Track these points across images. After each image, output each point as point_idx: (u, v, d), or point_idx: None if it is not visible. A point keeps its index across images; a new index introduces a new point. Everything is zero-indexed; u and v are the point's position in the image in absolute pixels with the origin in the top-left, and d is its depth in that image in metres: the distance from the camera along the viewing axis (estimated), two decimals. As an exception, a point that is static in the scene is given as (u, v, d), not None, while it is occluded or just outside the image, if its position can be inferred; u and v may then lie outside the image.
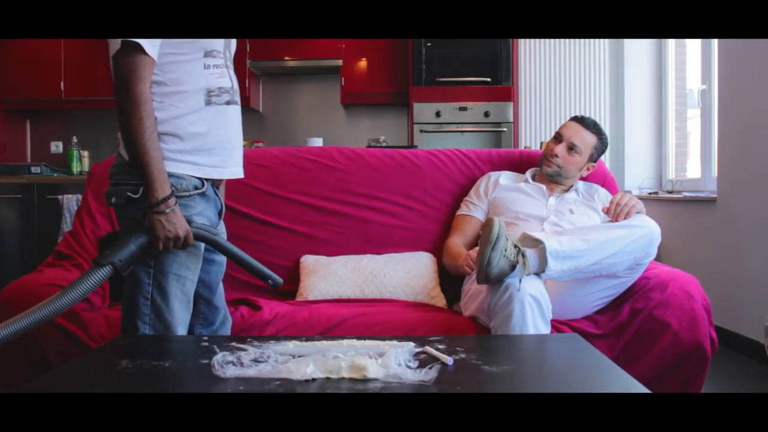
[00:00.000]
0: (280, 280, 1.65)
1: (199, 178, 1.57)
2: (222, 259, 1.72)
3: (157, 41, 1.48)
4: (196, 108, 1.56)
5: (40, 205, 4.31)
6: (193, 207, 1.56)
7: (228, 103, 1.61)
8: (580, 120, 2.26)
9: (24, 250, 4.33)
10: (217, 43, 1.59)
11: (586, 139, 2.22)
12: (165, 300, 1.55)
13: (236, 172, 1.67)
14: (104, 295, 2.06)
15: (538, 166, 2.34)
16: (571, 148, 2.22)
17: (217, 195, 1.66)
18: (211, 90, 1.57)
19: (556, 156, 2.22)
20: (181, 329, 1.57)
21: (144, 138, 1.45)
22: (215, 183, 1.65)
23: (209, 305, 1.73)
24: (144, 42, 1.45)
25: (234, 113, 1.63)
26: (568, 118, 2.34)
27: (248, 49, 4.77)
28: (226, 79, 1.61)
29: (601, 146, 2.26)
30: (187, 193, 1.55)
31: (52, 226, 4.11)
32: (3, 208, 4.35)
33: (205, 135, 1.57)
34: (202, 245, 1.60)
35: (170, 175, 1.52)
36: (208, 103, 1.57)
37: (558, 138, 2.25)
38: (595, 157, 2.27)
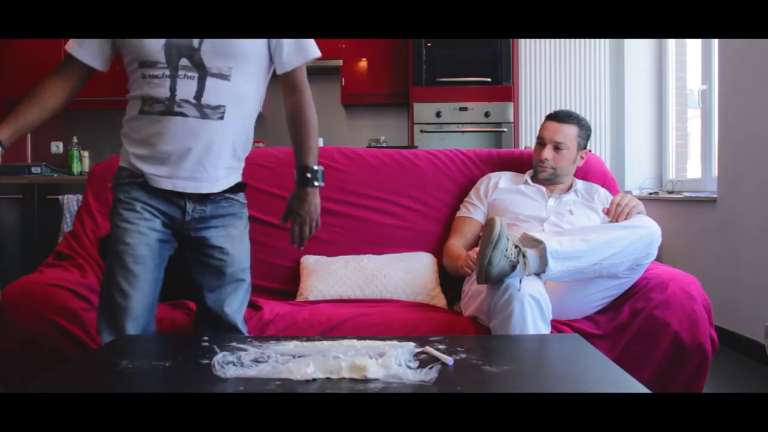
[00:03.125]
0: None
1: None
2: (231, 271, 1.69)
3: (86, 44, 1.61)
4: (133, 116, 1.61)
5: (40, 206, 4.31)
6: (128, 192, 1.62)
7: (163, 113, 1.56)
8: (555, 117, 2.26)
9: (24, 250, 4.33)
10: (158, 54, 1.55)
11: (567, 133, 2.22)
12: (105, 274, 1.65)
13: (188, 186, 1.61)
14: (104, 295, 2.06)
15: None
16: (557, 147, 2.22)
17: (186, 202, 1.63)
18: (146, 99, 1.58)
19: (546, 159, 2.23)
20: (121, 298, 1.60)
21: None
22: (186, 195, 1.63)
23: (219, 321, 1.69)
24: (72, 49, 1.62)
25: (176, 123, 1.56)
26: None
27: (248, 50, 4.76)
28: (164, 89, 1.55)
29: (584, 132, 2.26)
30: (121, 180, 1.64)
31: (53, 227, 4.11)
32: (3, 208, 4.34)
33: (142, 143, 1.60)
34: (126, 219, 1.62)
35: (119, 168, 1.66)
36: (141, 111, 1.59)
37: (541, 142, 2.26)
38: (583, 145, 2.27)
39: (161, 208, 1.63)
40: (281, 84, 1.71)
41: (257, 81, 1.67)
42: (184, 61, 1.56)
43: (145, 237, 1.61)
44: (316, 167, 1.71)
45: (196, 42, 1.56)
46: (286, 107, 1.72)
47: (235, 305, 1.71)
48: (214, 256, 1.68)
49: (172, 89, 1.56)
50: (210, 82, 1.57)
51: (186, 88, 1.56)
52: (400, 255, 2.33)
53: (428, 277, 2.26)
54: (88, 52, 1.62)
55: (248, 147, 1.74)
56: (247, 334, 1.75)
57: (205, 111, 1.57)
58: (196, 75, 1.56)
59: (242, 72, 1.61)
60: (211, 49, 1.56)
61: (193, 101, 1.57)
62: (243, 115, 1.65)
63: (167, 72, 1.56)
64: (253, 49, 1.62)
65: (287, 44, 1.65)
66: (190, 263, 1.70)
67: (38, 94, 1.62)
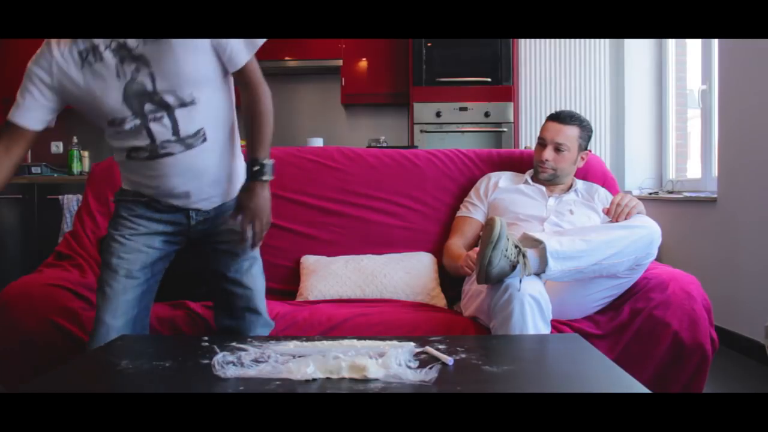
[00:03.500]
0: None
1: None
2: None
3: (25, 107, 1.55)
4: (122, 160, 1.65)
5: (40, 205, 4.31)
6: (132, 210, 1.66)
7: (150, 158, 1.58)
8: (556, 117, 2.25)
9: (24, 250, 4.33)
10: (122, 111, 1.55)
11: (569, 134, 2.21)
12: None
13: (203, 204, 1.68)
14: (104, 295, 2.06)
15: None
16: (558, 148, 2.22)
17: (189, 218, 1.67)
18: (129, 149, 1.60)
19: (547, 160, 2.22)
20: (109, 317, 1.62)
21: None
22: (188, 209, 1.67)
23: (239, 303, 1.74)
24: (13, 116, 1.55)
25: (167, 164, 1.59)
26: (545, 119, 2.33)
27: (248, 49, 4.77)
28: (142, 137, 1.57)
29: (585, 133, 2.25)
30: (125, 197, 1.69)
31: (53, 226, 4.11)
32: (3, 208, 4.34)
33: (142, 182, 1.64)
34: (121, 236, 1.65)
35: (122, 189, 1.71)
36: (129, 158, 1.61)
37: (542, 142, 2.25)
38: (584, 146, 2.27)
39: (166, 218, 1.66)
40: (237, 82, 1.69)
41: (222, 89, 1.65)
42: (148, 106, 1.56)
43: (142, 255, 1.65)
44: (266, 161, 1.64)
45: (149, 85, 1.55)
46: (242, 103, 1.67)
47: (258, 284, 1.75)
48: (223, 239, 1.71)
49: (150, 135, 1.57)
50: (179, 113, 1.57)
51: (162, 129, 1.57)
52: (400, 255, 2.33)
53: (428, 277, 2.26)
54: (29, 115, 1.56)
55: (237, 132, 1.74)
56: (270, 320, 1.78)
57: (188, 142, 1.59)
58: (164, 113, 1.56)
59: (205, 91, 1.60)
60: (167, 86, 1.55)
61: (173, 138, 1.57)
62: (223, 123, 1.65)
63: (137, 122, 1.56)
64: (204, 66, 1.59)
65: (231, 43, 1.58)
66: (205, 254, 1.75)
67: None
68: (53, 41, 1.55)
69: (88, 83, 1.54)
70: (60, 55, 1.54)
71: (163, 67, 1.54)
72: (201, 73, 1.59)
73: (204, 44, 1.56)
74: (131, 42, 1.52)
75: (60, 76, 1.54)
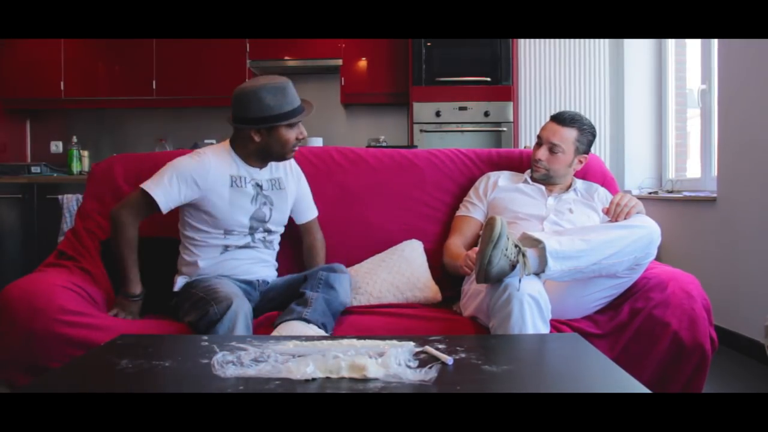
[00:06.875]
0: None
1: None
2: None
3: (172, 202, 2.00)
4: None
5: (40, 205, 4.31)
6: None
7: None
8: (557, 118, 2.24)
9: (24, 250, 4.33)
10: (244, 226, 2.06)
11: (565, 136, 2.21)
12: None
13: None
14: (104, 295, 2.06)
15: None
16: (552, 149, 2.21)
17: None
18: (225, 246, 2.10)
19: (540, 160, 2.22)
20: None
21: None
22: None
23: None
24: (155, 195, 1.97)
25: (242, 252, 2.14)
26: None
27: (248, 49, 4.77)
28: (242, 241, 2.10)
29: (585, 137, 2.24)
30: None
31: (52, 226, 4.11)
32: (3, 208, 4.34)
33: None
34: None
35: None
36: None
37: (539, 141, 2.25)
38: (582, 150, 2.25)
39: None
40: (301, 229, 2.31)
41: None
42: (260, 227, 2.10)
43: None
44: None
45: (267, 216, 2.10)
46: (305, 241, 2.30)
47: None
48: None
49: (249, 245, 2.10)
50: (271, 236, 2.16)
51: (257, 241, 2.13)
52: (381, 255, 2.29)
53: (414, 270, 2.20)
54: (165, 200, 1.97)
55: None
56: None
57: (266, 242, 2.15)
58: (265, 234, 2.13)
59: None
60: (276, 219, 2.13)
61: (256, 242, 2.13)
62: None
63: (246, 232, 2.08)
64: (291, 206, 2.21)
65: (305, 200, 2.28)
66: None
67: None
68: (211, 154, 2.02)
69: (231, 198, 2.01)
70: (216, 168, 2.00)
71: (279, 206, 2.13)
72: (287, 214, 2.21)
73: (293, 195, 2.20)
74: (265, 185, 2.09)
75: (210, 185, 1.99)
